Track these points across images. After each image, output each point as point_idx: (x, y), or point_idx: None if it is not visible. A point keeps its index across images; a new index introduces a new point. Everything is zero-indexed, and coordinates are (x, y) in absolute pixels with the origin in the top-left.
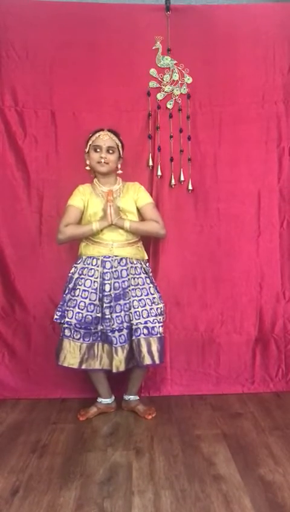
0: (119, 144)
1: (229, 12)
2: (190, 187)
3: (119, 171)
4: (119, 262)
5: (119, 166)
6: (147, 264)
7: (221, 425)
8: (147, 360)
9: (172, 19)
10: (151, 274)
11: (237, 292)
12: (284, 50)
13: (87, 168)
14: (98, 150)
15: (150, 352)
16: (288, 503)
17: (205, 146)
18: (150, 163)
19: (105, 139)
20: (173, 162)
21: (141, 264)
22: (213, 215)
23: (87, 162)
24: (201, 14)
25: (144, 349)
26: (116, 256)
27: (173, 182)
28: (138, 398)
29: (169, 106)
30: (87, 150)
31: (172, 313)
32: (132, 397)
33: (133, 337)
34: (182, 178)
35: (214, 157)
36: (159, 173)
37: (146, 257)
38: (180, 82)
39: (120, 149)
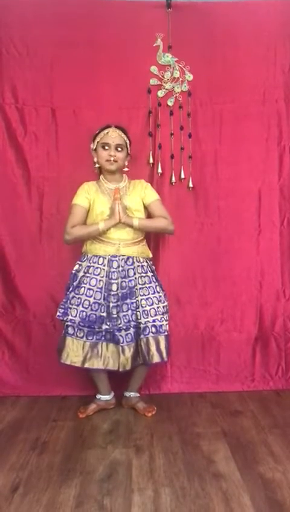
0: (127, 141)
1: (230, 9)
2: (191, 185)
3: (126, 169)
4: (126, 262)
5: (126, 163)
6: (152, 262)
7: (221, 423)
8: (156, 358)
9: (173, 16)
10: (155, 272)
11: (237, 290)
12: (285, 48)
13: (97, 165)
14: (107, 148)
15: (158, 350)
16: (287, 501)
17: (205, 144)
18: (151, 160)
19: (114, 136)
20: (173, 160)
21: (147, 262)
22: (213, 213)
23: (95, 160)
24: (202, 11)
25: (153, 347)
26: (123, 255)
27: (173, 179)
28: (138, 395)
29: (170, 103)
30: (94, 147)
31: (172, 311)
32: (132, 394)
33: (142, 336)
34: (182, 176)
35: (214, 155)
36: (160, 171)
37: (150, 255)
38: (181, 79)
39: (128, 146)
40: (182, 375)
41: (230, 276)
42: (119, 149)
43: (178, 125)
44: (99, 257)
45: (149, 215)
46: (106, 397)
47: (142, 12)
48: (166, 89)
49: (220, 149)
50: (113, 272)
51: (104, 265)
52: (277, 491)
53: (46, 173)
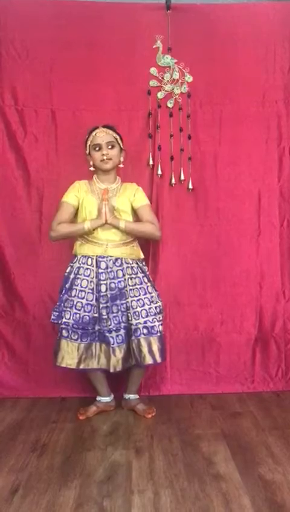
0: (118, 137)
1: (229, 11)
2: (190, 186)
3: (121, 165)
4: (114, 263)
5: (122, 159)
6: (144, 263)
7: (221, 425)
8: (149, 360)
9: (173, 17)
10: (148, 272)
11: (237, 291)
12: (284, 49)
13: (91, 168)
14: (98, 148)
15: (151, 351)
16: (287, 503)
17: (205, 145)
18: (151, 162)
19: (102, 135)
20: (173, 161)
21: (137, 263)
22: (213, 214)
23: (91, 163)
24: (202, 12)
25: (145, 349)
26: (111, 256)
27: (173, 181)
28: (137, 397)
29: (169, 105)
30: (88, 151)
31: (172, 313)
32: (131, 396)
33: (133, 337)
34: (182, 177)
35: (214, 156)
36: (160, 172)
37: (142, 256)
38: (180, 81)
39: (119, 142)
40: (182, 376)
41: (230, 278)
42: (110, 146)
43: (178, 126)
44: (88, 257)
45: (138, 220)
46: (105, 399)
47: (142, 14)
48: (166, 91)
49: (219, 150)
50: (102, 272)
51: (92, 266)
52: (277, 493)
53: (46, 175)
